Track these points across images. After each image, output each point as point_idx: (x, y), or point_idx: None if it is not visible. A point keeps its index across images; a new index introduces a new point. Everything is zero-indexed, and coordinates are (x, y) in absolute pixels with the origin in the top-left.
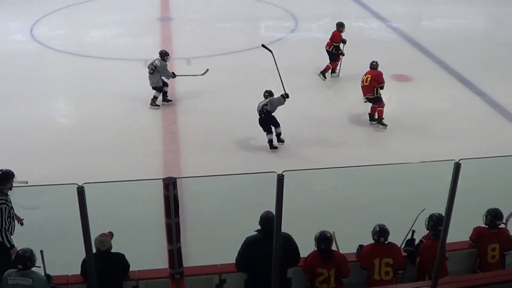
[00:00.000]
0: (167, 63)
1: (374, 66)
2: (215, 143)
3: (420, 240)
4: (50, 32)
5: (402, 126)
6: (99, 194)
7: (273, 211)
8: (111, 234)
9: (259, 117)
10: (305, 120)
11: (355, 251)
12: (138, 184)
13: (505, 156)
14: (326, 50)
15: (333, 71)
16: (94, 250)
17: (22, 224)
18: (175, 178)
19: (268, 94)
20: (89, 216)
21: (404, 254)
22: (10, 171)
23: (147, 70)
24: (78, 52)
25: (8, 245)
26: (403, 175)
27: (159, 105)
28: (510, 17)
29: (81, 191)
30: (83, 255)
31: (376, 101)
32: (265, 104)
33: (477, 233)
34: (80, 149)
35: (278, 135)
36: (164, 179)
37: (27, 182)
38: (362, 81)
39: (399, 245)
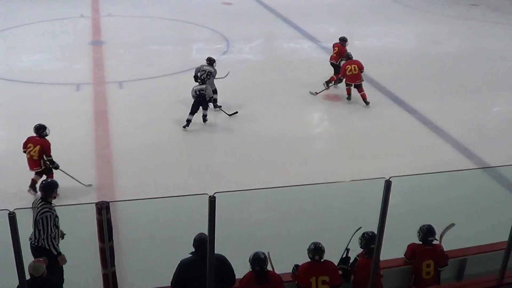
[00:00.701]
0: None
1: (350, 55)
2: (148, 166)
3: (355, 258)
4: None
5: (334, 144)
6: (30, 219)
7: (207, 233)
8: (45, 260)
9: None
10: (239, 138)
11: (291, 271)
12: (71, 208)
13: (437, 172)
14: (331, 63)
15: (337, 81)
16: (28, 277)
17: (63, 237)
18: (108, 202)
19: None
20: (21, 242)
21: (340, 272)
22: (55, 181)
23: (197, 78)
24: (9, 77)
25: (55, 253)
26: (336, 193)
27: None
28: (440, 35)
29: (12, 217)
30: (16, 282)
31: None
32: (201, 89)
33: (411, 250)
34: (10, 174)
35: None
36: (97, 204)
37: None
38: (350, 70)
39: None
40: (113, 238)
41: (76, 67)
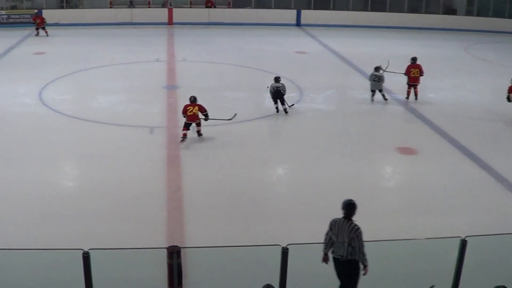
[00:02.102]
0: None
1: (415, 60)
2: (220, 212)
3: None
4: (58, 97)
5: (406, 200)
6: (103, 260)
7: (276, 284)
8: None
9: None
10: (309, 190)
11: None
12: (142, 252)
13: None
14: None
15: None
16: None
17: None
18: (180, 247)
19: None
20: (93, 282)
21: None
22: (355, 202)
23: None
24: (84, 117)
25: (366, 264)
26: (408, 250)
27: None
28: None
29: (86, 257)
30: None
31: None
32: (278, 86)
33: None
34: (83, 215)
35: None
36: (168, 248)
37: None
38: (414, 73)
39: None
40: (183, 283)
41: (150, 110)
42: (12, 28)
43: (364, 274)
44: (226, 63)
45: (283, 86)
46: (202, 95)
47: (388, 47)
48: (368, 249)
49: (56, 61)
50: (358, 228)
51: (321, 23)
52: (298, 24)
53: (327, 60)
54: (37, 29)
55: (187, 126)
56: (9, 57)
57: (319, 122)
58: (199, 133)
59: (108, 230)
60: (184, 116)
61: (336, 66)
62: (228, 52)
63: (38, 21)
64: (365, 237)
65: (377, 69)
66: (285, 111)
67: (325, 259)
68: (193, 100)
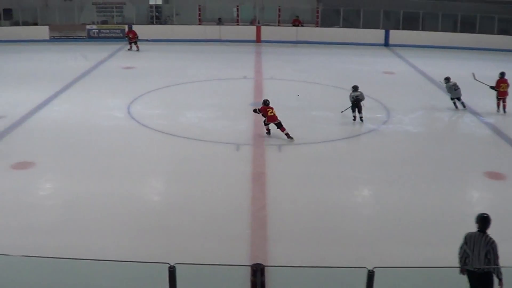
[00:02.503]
0: None
1: (504, 74)
2: (304, 231)
3: None
4: (146, 111)
5: (494, 226)
6: (187, 275)
7: None
8: None
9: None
10: (394, 212)
11: None
12: (225, 268)
13: None
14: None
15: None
16: None
17: None
18: (263, 266)
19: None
20: None
21: None
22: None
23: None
24: (171, 132)
25: (500, 277)
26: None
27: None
28: None
29: (172, 271)
30: None
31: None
32: (357, 95)
33: None
34: (168, 229)
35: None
36: (252, 266)
37: None
38: (503, 88)
39: None
40: None
41: (237, 127)
42: (103, 42)
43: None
44: (313, 81)
45: (362, 94)
46: (289, 113)
47: (478, 69)
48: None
49: (145, 75)
50: (494, 241)
51: (409, 44)
52: (386, 44)
53: (415, 81)
54: (130, 43)
55: (267, 125)
56: (99, 71)
57: (405, 143)
58: (288, 136)
59: (193, 245)
60: (263, 115)
61: (424, 87)
62: (315, 71)
63: (130, 35)
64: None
65: (447, 79)
66: (361, 119)
67: (462, 271)
68: (268, 103)
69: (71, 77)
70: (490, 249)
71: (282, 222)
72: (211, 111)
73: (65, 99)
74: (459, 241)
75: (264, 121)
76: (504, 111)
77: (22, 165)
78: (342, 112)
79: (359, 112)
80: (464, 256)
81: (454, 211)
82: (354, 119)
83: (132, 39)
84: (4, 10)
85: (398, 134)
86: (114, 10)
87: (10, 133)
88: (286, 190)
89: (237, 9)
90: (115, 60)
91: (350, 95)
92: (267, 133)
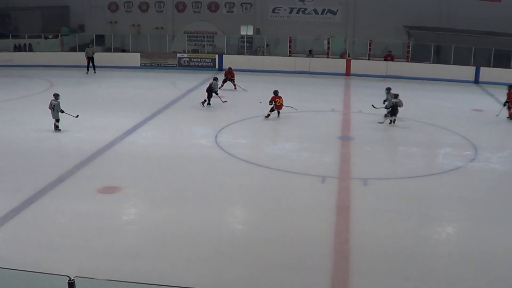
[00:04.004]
0: None
1: None
2: (387, 268)
3: None
4: (233, 140)
5: None
6: None
7: None
8: None
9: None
10: (479, 253)
11: None
12: None
13: None
14: None
15: None
16: None
17: None
18: None
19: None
20: None
21: None
22: None
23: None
24: (258, 162)
25: None
26: None
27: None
28: None
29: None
30: None
31: None
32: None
33: None
34: (250, 258)
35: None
36: None
37: None
38: None
39: None
40: None
41: (323, 160)
42: (193, 71)
43: None
44: (401, 117)
45: (401, 102)
46: (376, 147)
47: None
48: None
49: (233, 105)
50: None
51: (500, 81)
52: (476, 81)
53: (505, 119)
54: (232, 82)
55: (271, 111)
56: (188, 99)
57: (493, 182)
58: (279, 114)
59: (274, 275)
60: (270, 104)
61: None
62: (404, 106)
63: (229, 76)
64: None
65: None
66: (394, 121)
67: None
68: (278, 93)
69: (161, 104)
70: None
71: (364, 257)
72: (297, 142)
73: (154, 126)
74: None
75: (272, 108)
76: None
77: (108, 190)
78: (374, 107)
79: (395, 115)
80: None
81: None
82: (390, 122)
83: (231, 77)
84: (97, 36)
85: (485, 172)
86: (205, 39)
87: (98, 157)
88: (370, 225)
89: (328, 41)
90: (204, 89)
91: (389, 100)
92: (266, 116)
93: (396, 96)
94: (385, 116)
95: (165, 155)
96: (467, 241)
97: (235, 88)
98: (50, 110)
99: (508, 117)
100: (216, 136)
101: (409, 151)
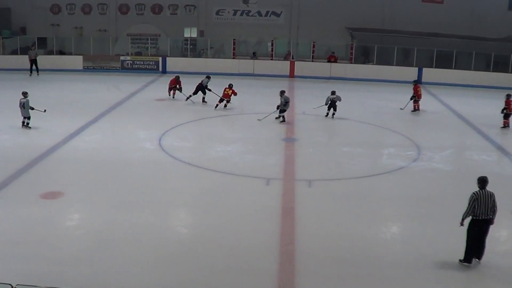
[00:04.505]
0: None
1: None
2: (332, 268)
3: None
4: (177, 143)
5: None
6: None
7: None
8: None
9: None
10: (424, 249)
11: None
12: None
13: None
14: None
15: None
16: None
17: None
18: None
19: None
20: None
21: None
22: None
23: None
24: (202, 165)
25: None
26: None
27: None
28: None
29: None
30: None
31: None
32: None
33: None
34: (195, 262)
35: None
36: None
37: None
38: None
39: None
40: None
41: (267, 162)
42: (136, 73)
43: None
44: (345, 118)
45: (338, 97)
46: (320, 148)
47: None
48: None
49: (177, 107)
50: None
51: (442, 82)
52: (419, 82)
53: (447, 119)
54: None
55: (220, 101)
56: (131, 102)
57: (436, 181)
58: (225, 106)
59: (219, 279)
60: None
61: (456, 126)
62: (348, 107)
63: (176, 85)
64: None
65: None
66: (333, 115)
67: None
68: (231, 86)
69: (104, 107)
70: (494, 199)
71: (309, 258)
72: (242, 144)
73: (97, 130)
74: (489, 277)
75: (221, 98)
76: None
77: (51, 195)
78: (314, 108)
79: (334, 110)
80: (471, 209)
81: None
82: (327, 115)
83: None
84: (39, 38)
85: (428, 171)
86: (149, 41)
87: (40, 162)
88: (314, 226)
89: (272, 43)
90: (147, 92)
91: (327, 98)
92: (215, 107)
93: (333, 92)
94: (326, 115)
95: (109, 159)
96: (411, 240)
97: (173, 97)
98: (20, 108)
99: (412, 110)
100: (160, 139)
101: (353, 151)
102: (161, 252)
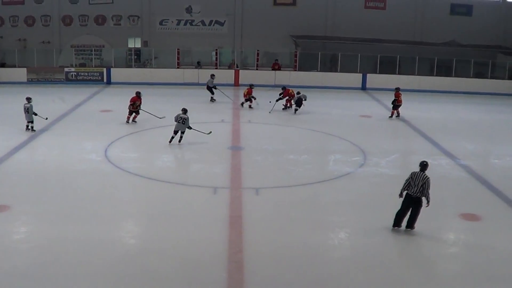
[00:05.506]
0: None
1: None
2: (280, 275)
3: None
4: (123, 154)
5: (469, 267)
6: None
7: None
8: None
9: None
10: (372, 255)
11: None
12: None
13: None
14: None
15: None
16: None
17: None
18: None
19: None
20: None
21: None
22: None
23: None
24: (149, 175)
25: None
26: None
27: None
28: None
29: None
30: None
31: None
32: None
33: None
34: (144, 273)
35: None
36: None
37: None
38: None
39: None
40: None
41: (214, 171)
42: (80, 85)
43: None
44: (290, 125)
45: (304, 95)
46: (266, 156)
47: (453, 112)
48: None
49: (122, 119)
50: (428, 178)
51: (386, 87)
52: (364, 87)
53: (392, 124)
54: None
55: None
56: (76, 113)
57: (382, 186)
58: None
59: None
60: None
61: (401, 131)
62: (293, 114)
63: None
64: None
65: (184, 110)
66: (296, 111)
67: (401, 195)
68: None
69: (49, 119)
70: (425, 182)
71: (258, 266)
72: (188, 154)
73: (42, 142)
74: (439, 282)
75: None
76: None
77: None
78: (270, 102)
79: (299, 107)
80: (407, 185)
81: (430, 252)
82: (295, 111)
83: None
84: None
85: (374, 177)
86: (93, 52)
87: None
88: (262, 234)
89: (216, 52)
90: (92, 103)
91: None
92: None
93: (298, 92)
94: (295, 111)
95: (54, 171)
96: (358, 246)
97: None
98: (24, 113)
99: (390, 117)
100: (106, 150)
101: (299, 159)
102: (109, 265)
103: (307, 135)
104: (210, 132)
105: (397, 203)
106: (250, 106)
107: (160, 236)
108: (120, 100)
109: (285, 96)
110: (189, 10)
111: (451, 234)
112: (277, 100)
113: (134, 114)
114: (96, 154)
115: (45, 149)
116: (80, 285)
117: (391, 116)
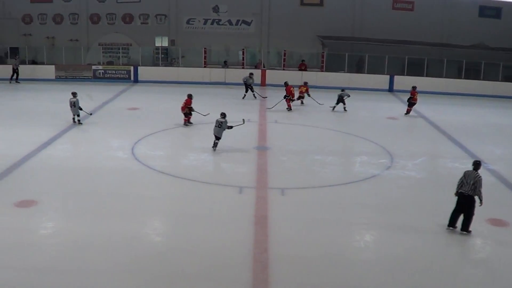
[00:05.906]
0: None
1: None
2: (306, 276)
3: None
4: (150, 152)
5: (495, 273)
6: None
7: None
8: None
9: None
10: (396, 259)
11: None
12: None
13: None
14: None
15: None
16: None
17: None
18: None
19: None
20: None
21: None
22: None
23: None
24: (175, 173)
25: None
26: None
27: None
28: None
29: None
30: None
31: None
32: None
33: None
34: (169, 271)
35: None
36: None
37: None
38: None
39: None
40: None
41: (240, 170)
42: (108, 82)
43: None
44: (317, 126)
45: (346, 93)
46: (292, 156)
47: (481, 116)
48: None
49: (149, 117)
50: (480, 176)
51: None
52: (391, 89)
53: (419, 126)
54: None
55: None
56: (104, 111)
57: (408, 189)
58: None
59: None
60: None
61: (428, 133)
62: (320, 115)
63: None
64: None
65: (223, 115)
66: (344, 109)
67: (456, 193)
68: (306, 83)
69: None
70: (476, 180)
71: (283, 266)
72: (214, 153)
73: (70, 139)
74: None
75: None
76: None
77: (24, 204)
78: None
79: (344, 104)
80: (460, 184)
81: (456, 257)
82: (333, 109)
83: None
84: (11, 48)
85: (401, 179)
86: (120, 51)
87: (13, 171)
88: (288, 234)
89: (243, 52)
90: (120, 100)
91: (339, 94)
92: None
93: (343, 89)
94: (333, 109)
95: (82, 168)
96: (383, 248)
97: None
98: (71, 107)
99: (405, 113)
100: (132, 148)
101: (325, 160)
102: (135, 261)
103: (333, 136)
104: (244, 120)
105: (424, 207)
106: (302, 103)
107: (185, 234)
108: (147, 98)
109: (287, 92)
110: (216, 9)
111: (478, 239)
112: (285, 98)
113: (189, 116)
114: (123, 152)
115: (72, 146)
116: (105, 281)
117: (407, 113)
